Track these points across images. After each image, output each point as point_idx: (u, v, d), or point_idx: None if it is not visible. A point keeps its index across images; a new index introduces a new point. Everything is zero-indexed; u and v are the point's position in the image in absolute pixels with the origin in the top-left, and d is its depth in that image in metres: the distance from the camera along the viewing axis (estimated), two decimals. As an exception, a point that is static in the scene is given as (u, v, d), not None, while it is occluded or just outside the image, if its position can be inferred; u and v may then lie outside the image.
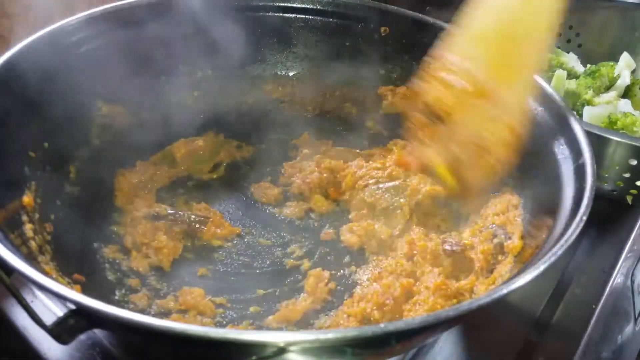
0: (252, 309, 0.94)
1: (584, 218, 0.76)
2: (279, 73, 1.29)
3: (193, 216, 1.04)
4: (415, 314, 0.88)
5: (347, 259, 1.04)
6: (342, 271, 1.02)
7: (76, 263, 0.91)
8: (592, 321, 1.01)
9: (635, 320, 1.09)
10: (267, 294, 0.97)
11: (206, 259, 1.03)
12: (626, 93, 1.41)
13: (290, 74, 1.29)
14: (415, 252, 0.96)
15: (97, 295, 0.71)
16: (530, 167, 0.99)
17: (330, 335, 0.59)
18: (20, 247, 0.78)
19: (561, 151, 0.91)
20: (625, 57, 1.46)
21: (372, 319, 0.88)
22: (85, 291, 0.80)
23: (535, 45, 0.85)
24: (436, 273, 0.93)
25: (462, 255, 0.94)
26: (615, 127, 1.22)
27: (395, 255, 0.99)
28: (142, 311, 0.91)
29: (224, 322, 0.91)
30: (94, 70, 1.05)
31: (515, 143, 0.86)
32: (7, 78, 0.90)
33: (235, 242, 1.06)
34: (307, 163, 1.18)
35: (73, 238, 0.95)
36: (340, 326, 0.88)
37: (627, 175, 1.12)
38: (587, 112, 1.27)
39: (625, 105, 1.31)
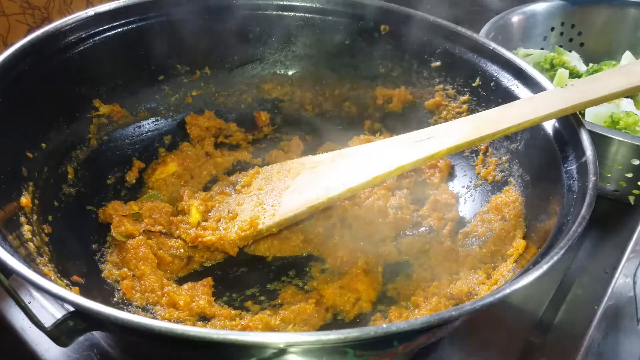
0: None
1: (587, 217, 0.76)
2: (278, 72, 1.28)
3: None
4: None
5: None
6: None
7: (75, 264, 0.91)
8: (594, 322, 1.00)
9: (638, 321, 1.08)
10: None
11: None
12: (628, 92, 1.41)
13: (290, 73, 1.29)
14: None
15: (96, 297, 0.71)
16: (533, 166, 0.99)
17: (331, 336, 0.58)
18: (18, 248, 0.78)
19: (563, 150, 0.90)
20: (627, 56, 1.46)
21: None
22: (84, 293, 0.80)
23: None
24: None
25: None
26: (617, 126, 1.21)
27: None
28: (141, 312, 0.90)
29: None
30: (91, 69, 1.05)
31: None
32: (4, 78, 0.90)
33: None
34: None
35: (71, 239, 0.95)
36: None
37: (629, 175, 1.11)
38: (590, 111, 1.27)
39: (627, 104, 1.30)
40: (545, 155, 0.94)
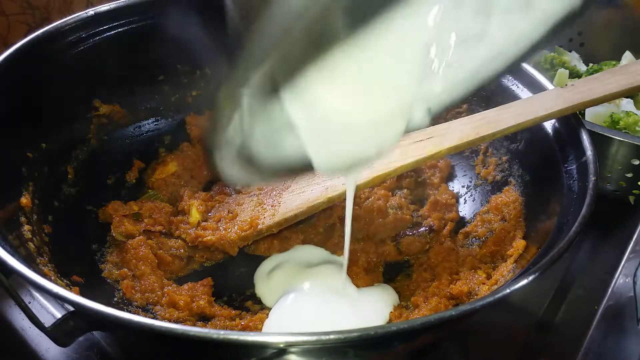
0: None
1: (587, 217, 0.76)
2: (278, 72, 1.28)
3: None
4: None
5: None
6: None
7: (75, 264, 0.91)
8: (595, 322, 1.00)
9: (638, 321, 1.08)
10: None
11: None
12: (628, 92, 1.40)
13: (290, 73, 1.28)
14: None
15: (96, 296, 0.71)
16: (533, 166, 0.99)
17: (331, 336, 0.58)
18: (18, 248, 0.78)
19: (563, 150, 0.90)
20: (627, 56, 1.46)
21: None
22: (84, 293, 0.80)
23: None
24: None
25: None
26: (617, 126, 1.21)
27: None
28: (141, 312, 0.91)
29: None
30: (91, 69, 1.05)
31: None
32: (4, 78, 0.90)
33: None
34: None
35: (71, 239, 0.95)
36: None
37: (629, 175, 1.11)
38: (590, 111, 1.27)
39: (627, 104, 1.30)
40: (545, 155, 0.94)
